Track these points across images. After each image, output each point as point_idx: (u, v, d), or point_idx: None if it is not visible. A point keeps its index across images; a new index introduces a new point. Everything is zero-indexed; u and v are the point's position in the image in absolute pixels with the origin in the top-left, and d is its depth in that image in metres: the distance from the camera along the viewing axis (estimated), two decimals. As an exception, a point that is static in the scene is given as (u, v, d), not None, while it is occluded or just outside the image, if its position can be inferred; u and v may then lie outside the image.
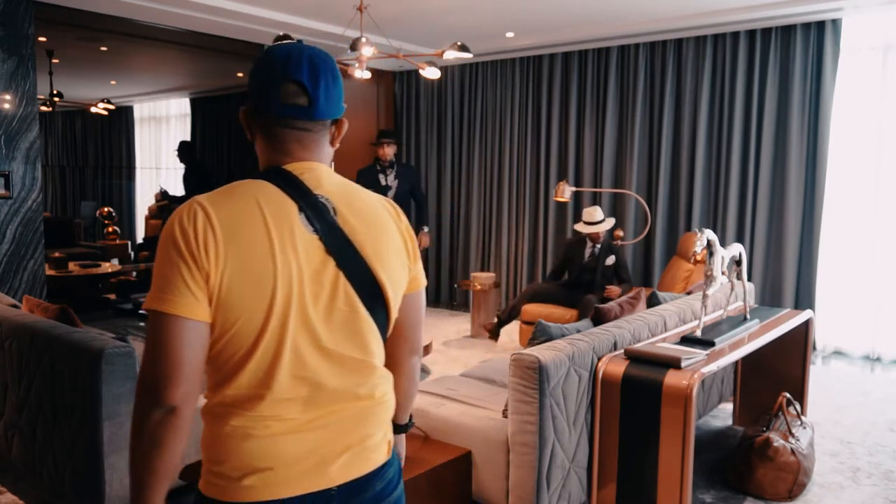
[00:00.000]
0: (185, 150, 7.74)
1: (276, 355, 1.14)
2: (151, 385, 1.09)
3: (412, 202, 6.06)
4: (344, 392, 1.21)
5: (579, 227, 5.40)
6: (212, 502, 1.17)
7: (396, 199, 5.74)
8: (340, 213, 1.21)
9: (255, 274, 1.11)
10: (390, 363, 1.39)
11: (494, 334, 5.56)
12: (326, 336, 1.18)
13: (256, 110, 1.24)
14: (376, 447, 1.26)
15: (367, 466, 1.24)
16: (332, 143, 1.29)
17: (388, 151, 5.76)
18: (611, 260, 5.37)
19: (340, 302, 1.19)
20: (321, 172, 1.24)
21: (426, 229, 6.05)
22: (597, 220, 5.32)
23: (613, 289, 5.22)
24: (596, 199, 6.50)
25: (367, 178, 5.79)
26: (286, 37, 4.23)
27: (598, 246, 5.40)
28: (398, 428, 1.52)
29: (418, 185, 6.11)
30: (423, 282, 1.39)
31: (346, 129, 1.31)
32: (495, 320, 5.63)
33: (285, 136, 1.23)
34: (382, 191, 5.71)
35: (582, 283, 5.41)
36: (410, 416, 1.56)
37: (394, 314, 1.29)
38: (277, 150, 1.23)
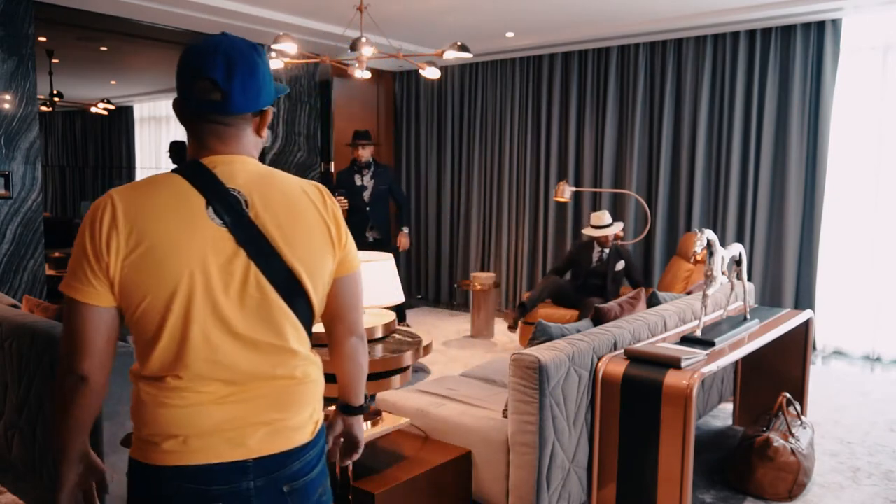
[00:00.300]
0: (176, 150, 7.71)
1: (182, 341, 1.22)
2: (65, 356, 1.24)
3: (394, 203, 6.02)
4: (261, 373, 1.27)
5: (587, 230, 5.37)
6: (136, 464, 1.28)
7: (373, 198, 5.77)
8: (253, 204, 1.25)
9: (154, 265, 1.19)
10: (331, 345, 1.47)
11: (515, 324, 5.43)
12: (239, 322, 1.24)
13: (180, 105, 1.31)
14: (299, 427, 1.31)
15: (285, 444, 1.28)
16: (257, 133, 1.34)
17: (364, 153, 5.71)
18: (621, 265, 5.32)
19: (252, 290, 1.24)
20: (237, 165, 1.28)
21: (406, 230, 5.99)
22: (605, 224, 5.28)
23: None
24: (596, 199, 6.50)
25: (345, 178, 5.82)
26: (286, 37, 4.24)
27: (607, 251, 5.36)
28: (352, 409, 1.54)
29: (397, 186, 6.07)
30: (354, 265, 1.41)
31: (270, 118, 1.35)
32: (518, 307, 5.48)
33: (203, 130, 1.28)
34: (358, 191, 5.74)
35: (590, 287, 5.35)
36: (367, 397, 1.57)
37: (315, 300, 1.32)
38: (198, 143, 1.29)
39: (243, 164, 1.29)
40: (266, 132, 1.36)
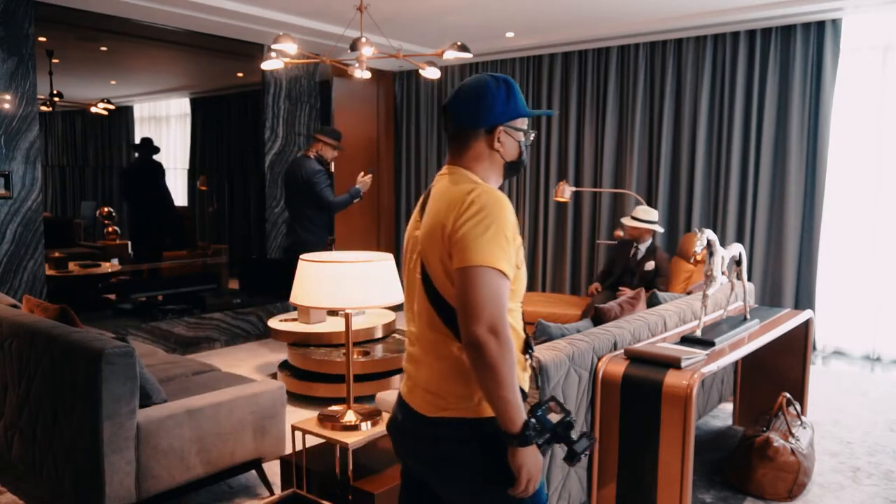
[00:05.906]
0: (148, 147, 7.63)
1: None
2: None
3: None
4: None
5: (625, 219, 5.25)
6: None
7: None
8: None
9: None
10: None
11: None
12: None
13: None
14: None
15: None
16: (489, 147, 1.57)
17: (334, 156, 5.32)
18: (650, 265, 5.14)
19: None
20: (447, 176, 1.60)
21: None
22: (646, 219, 5.12)
23: (625, 290, 4.99)
24: (596, 199, 6.50)
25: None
26: (286, 37, 4.23)
27: (641, 247, 5.20)
28: None
29: None
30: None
31: (499, 135, 1.57)
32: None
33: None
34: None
35: (623, 284, 5.19)
36: None
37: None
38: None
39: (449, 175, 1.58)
40: (501, 146, 1.55)
